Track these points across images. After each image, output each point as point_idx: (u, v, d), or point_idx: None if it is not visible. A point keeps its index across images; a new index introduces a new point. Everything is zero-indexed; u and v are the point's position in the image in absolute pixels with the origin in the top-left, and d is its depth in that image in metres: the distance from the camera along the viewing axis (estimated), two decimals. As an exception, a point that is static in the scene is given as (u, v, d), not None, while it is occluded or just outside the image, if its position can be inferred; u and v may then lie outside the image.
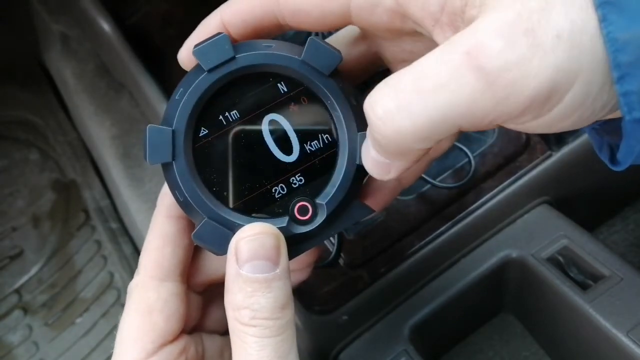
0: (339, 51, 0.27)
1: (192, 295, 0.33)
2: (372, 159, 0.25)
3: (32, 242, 0.78)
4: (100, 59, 0.78)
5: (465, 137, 0.49)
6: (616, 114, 0.22)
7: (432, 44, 0.24)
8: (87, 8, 0.69)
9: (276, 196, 0.28)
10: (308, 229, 0.28)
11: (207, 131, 0.27)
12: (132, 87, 0.70)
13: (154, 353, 0.29)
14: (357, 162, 0.28)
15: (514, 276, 0.48)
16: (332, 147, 0.28)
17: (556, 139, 0.50)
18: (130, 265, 0.75)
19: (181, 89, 0.27)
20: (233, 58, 0.26)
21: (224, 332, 0.32)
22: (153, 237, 0.31)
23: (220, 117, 0.27)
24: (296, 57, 0.27)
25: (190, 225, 0.31)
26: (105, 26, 0.68)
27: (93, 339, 0.70)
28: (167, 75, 0.64)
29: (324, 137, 0.28)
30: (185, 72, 0.28)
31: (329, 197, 0.28)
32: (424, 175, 0.46)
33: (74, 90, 0.78)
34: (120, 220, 0.78)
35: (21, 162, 0.85)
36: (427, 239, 0.47)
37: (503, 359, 0.54)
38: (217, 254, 0.28)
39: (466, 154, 0.48)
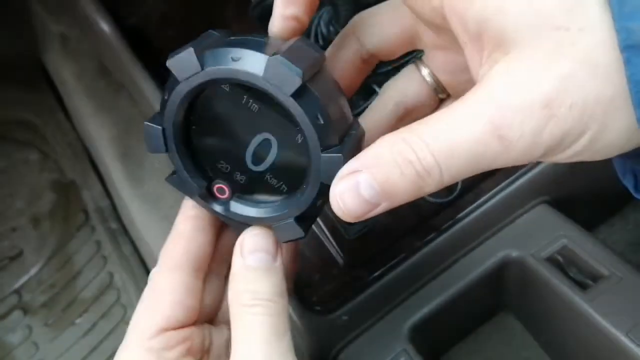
0: (301, 70, 0.25)
1: (213, 286, 0.35)
2: (362, 201, 0.24)
3: (31, 243, 0.78)
4: (99, 59, 0.78)
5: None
6: None
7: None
8: (87, 8, 0.69)
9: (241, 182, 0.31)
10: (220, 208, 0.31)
11: (195, 127, 0.30)
12: (131, 88, 0.70)
13: (153, 336, 0.31)
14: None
15: (513, 276, 0.48)
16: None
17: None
18: (130, 265, 0.75)
19: (166, 92, 0.29)
20: (201, 70, 0.27)
21: None
22: (172, 234, 0.34)
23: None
24: (257, 73, 0.26)
25: (207, 226, 0.34)
26: (105, 26, 0.68)
27: (93, 339, 0.69)
28: (167, 75, 0.63)
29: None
30: None
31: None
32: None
33: (73, 90, 0.78)
34: (119, 220, 0.77)
35: (21, 163, 0.85)
36: (427, 239, 0.47)
37: (503, 359, 0.54)
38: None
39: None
